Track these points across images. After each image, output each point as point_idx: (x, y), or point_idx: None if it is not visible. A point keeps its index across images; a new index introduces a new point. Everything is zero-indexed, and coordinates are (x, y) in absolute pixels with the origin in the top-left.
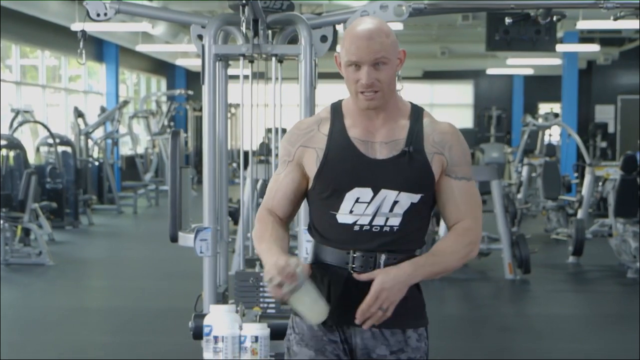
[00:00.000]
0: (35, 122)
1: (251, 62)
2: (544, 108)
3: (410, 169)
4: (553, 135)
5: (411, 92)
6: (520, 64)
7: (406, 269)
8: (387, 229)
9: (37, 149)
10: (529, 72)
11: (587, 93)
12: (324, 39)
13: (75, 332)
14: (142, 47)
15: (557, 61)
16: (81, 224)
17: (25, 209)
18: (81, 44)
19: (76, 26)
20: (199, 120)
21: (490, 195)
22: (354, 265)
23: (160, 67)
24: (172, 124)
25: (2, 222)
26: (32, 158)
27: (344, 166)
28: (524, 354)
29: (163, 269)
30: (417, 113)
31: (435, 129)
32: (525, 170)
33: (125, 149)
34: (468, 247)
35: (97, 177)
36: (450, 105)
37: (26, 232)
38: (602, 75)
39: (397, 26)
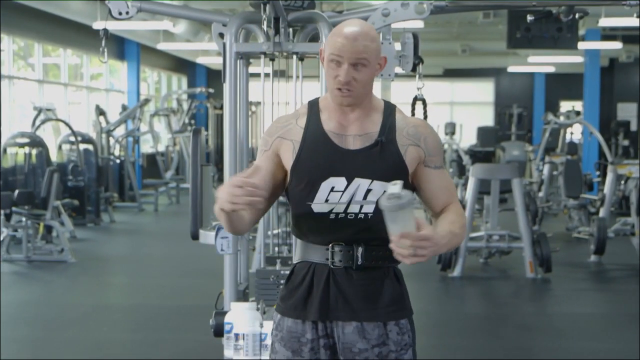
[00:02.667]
0: (57, 120)
1: (272, 60)
2: (565, 106)
3: (383, 158)
4: (574, 133)
5: (432, 90)
6: (541, 62)
7: (443, 234)
8: (362, 216)
9: (59, 147)
10: (551, 69)
11: (609, 91)
12: None
13: (96, 329)
14: (163, 46)
15: (578, 59)
16: (102, 221)
17: (48, 207)
18: (103, 42)
19: (98, 25)
20: (219, 118)
21: (511, 194)
22: (333, 260)
23: (181, 65)
24: (192, 122)
25: (24, 219)
26: (54, 156)
27: (318, 157)
28: (544, 353)
29: (184, 267)
30: (389, 109)
31: (409, 123)
32: (546, 169)
33: (146, 147)
34: (465, 224)
35: (119, 175)
36: (470, 103)
37: (48, 229)
38: (624, 73)
39: (418, 24)
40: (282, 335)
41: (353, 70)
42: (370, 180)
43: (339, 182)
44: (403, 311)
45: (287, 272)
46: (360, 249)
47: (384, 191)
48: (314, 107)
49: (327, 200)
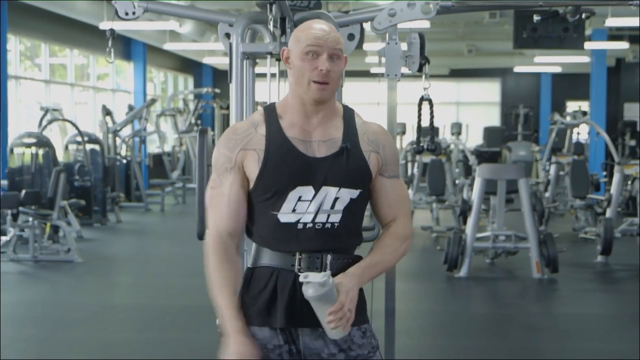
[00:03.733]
0: (64, 120)
1: (278, 60)
2: (572, 106)
3: (349, 165)
4: (581, 133)
5: (438, 90)
6: (548, 62)
7: (356, 273)
8: (329, 225)
9: (66, 147)
10: (557, 70)
11: (615, 91)
12: (351, 37)
13: (102, 329)
14: (169, 46)
15: (585, 59)
16: (109, 221)
17: (54, 207)
18: (109, 42)
19: (104, 25)
20: (226, 118)
21: (517, 194)
22: (300, 267)
23: (187, 65)
24: (199, 122)
25: (31, 219)
26: (60, 156)
27: (284, 166)
28: (550, 353)
29: (190, 267)
30: (349, 113)
31: (368, 129)
32: (553, 169)
33: (153, 147)
34: (404, 244)
35: (125, 175)
36: (477, 104)
37: (55, 229)
38: (631, 73)
39: (424, 24)
40: None
41: (330, 61)
42: (337, 188)
43: (307, 191)
44: (364, 317)
45: None
46: (329, 257)
47: (350, 198)
48: (271, 113)
49: (294, 210)
